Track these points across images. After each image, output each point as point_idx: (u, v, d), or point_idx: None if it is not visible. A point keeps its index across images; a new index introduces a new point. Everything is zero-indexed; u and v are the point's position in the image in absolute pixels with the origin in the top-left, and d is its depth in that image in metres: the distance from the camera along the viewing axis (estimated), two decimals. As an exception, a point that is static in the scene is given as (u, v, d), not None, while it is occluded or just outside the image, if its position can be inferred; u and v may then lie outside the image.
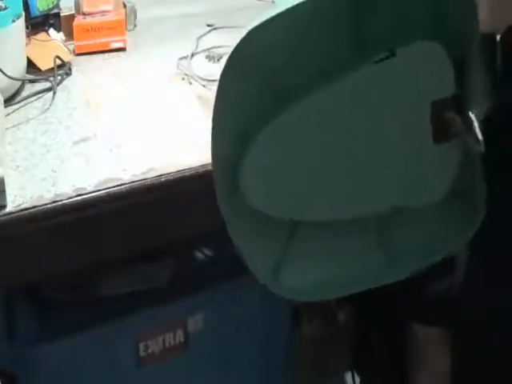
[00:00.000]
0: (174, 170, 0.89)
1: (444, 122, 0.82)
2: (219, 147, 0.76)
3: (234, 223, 0.78)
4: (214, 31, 1.34)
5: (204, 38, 1.30)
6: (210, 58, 1.22)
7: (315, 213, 0.83)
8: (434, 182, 0.86)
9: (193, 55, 1.22)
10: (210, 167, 0.90)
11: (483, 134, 0.80)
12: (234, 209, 0.79)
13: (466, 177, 0.85)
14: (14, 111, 1.02)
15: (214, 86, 1.09)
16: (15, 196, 0.82)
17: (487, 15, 0.84)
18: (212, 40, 1.28)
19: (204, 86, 1.12)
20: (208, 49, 1.25)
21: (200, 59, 1.22)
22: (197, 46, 1.26)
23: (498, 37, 0.89)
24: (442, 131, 0.83)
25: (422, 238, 0.85)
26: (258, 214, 0.80)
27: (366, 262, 0.85)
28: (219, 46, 1.25)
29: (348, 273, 0.85)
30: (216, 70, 1.18)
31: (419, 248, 0.85)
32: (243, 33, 0.71)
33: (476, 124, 0.80)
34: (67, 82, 1.13)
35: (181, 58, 1.21)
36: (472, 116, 0.81)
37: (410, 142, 0.83)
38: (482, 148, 0.80)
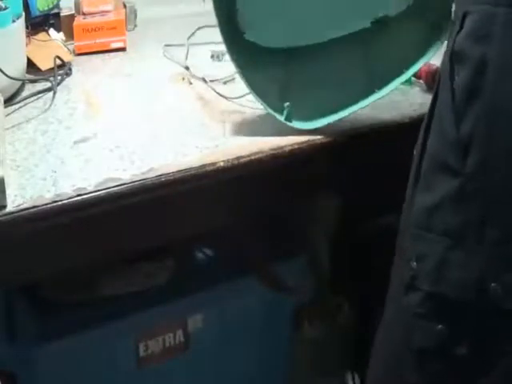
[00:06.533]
0: (174, 170, 0.89)
1: None
2: None
3: (240, 62, 0.94)
4: (214, 31, 1.34)
5: (203, 38, 1.30)
6: (213, 56, 1.22)
7: (306, 37, 1.00)
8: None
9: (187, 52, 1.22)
10: (209, 167, 0.91)
11: None
12: (238, 47, 0.95)
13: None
14: (14, 111, 1.02)
15: (214, 87, 1.11)
16: (15, 196, 0.82)
17: None
18: (212, 39, 1.28)
19: (204, 81, 1.12)
20: (207, 43, 1.25)
21: (200, 58, 1.22)
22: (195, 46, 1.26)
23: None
24: None
25: (397, 52, 0.99)
26: (256, 47, 0.99)
27: (353, 85, 0.99)
28: (220, 43, 1.25)
29: (338, 97, 0.98)
30: (217, 69, 1.18)
31: (395, 63, 0.98)
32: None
33: None
34: (67, 81, 1.13)
35: (167, 45, 1.21)
36: None
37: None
38: None
